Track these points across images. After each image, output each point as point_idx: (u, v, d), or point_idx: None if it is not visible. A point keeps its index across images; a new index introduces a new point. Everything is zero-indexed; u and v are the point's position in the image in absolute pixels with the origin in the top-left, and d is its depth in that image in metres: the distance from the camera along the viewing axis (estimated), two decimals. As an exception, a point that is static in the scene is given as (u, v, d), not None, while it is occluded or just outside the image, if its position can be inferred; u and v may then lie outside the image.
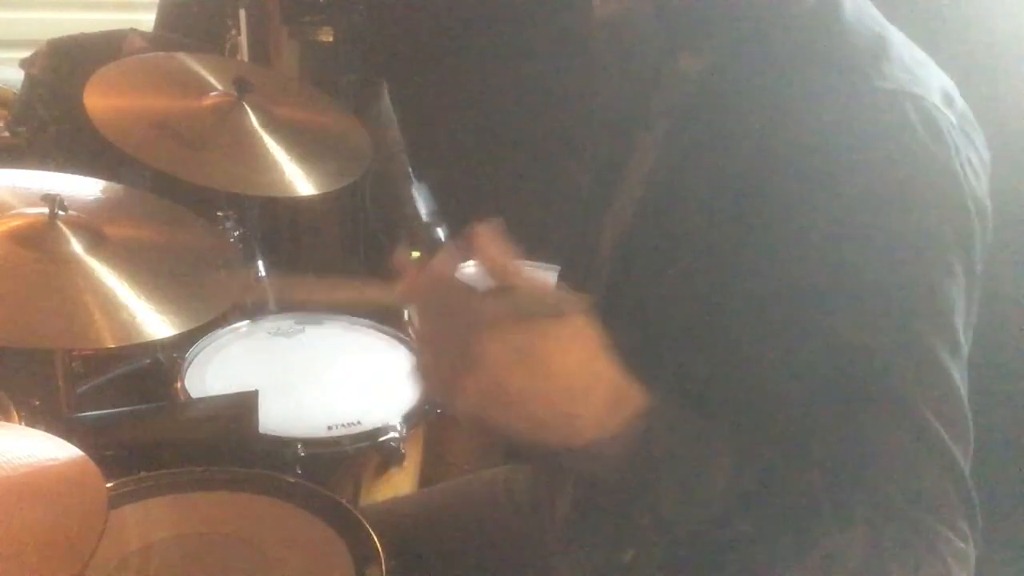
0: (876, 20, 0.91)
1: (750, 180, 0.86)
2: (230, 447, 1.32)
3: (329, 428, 1.53)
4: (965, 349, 0.82)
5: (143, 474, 1.22)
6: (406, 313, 1.88)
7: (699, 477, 0.78)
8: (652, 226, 0.97)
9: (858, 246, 0.80)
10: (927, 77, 0.87)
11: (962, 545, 0.77)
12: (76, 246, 1.34)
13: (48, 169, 1.63)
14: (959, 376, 0.80)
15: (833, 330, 0.81)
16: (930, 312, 0.80)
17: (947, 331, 0.80)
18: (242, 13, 2.44)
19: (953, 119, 0.85)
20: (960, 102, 0.88)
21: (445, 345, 0.77)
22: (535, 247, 1.35)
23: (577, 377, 0.75)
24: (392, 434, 1.54)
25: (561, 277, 1.16)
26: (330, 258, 2.71)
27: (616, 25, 0.94)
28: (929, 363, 0.79)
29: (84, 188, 1.52)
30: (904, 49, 0.89)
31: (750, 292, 0.85)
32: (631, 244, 1.00)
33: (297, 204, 2.51)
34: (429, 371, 0.80)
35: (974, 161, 0.85)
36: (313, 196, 1.77)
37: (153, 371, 2.01)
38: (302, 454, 1.46)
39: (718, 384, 0.90)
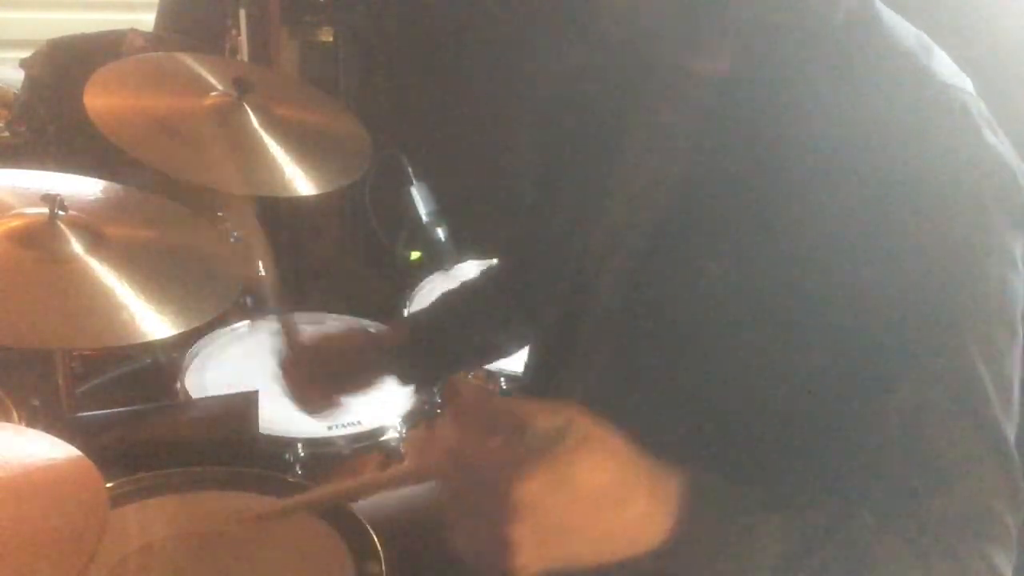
0: (907, 24, 0.90)
1: (797, 186, 0.84)
2: (230, 447, 1.32)
3: (329, 428, 1.53)
4: (1020, 329, 0.82)
5: (143, 474, 1.22)
6: (406, 313, 1.88)
7: (750, 547, 0.77)
8: (681, 237, 0.93)
9: (922, 243, 0.80)
10: (968, 82, 0.88)
11: (999, 560, 0.77)
12: (76, 246, 1.34)
13: (48, 169, 1.63)
14: (1015, 359, 0.81)
15: (896, 328, 0.80)
16: (994, 308, 0.80)
17: (1008, 320, 0.81)
18: (242, 13, 2.44)
19: (995, 127, 0.85)
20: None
21: (477, 511, 0.74)
22: (534, 247, 1.35)
23: (617, 488, 0.73)
24: (392, 434, 1.54)
25: (547, 283, 1.16)
26: (330, 258, 2.71)
27: (628, 19, 0.92)
28: (993, 359, 0.80)
29: (84, 188, 1.52)
30: (941, 52, 0.89)
31: (806, 288, 0.83)
32: (651, 257, 0.96)
33: (297, 204, 2.51)
34: (471, 541, 0.76)
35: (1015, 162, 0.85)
36: (313, 196, 1.77)
37: (153, 371, 2.01)
38: (302, 454, 1.46)
39: (744, 402, 0.88)
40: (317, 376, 1.27)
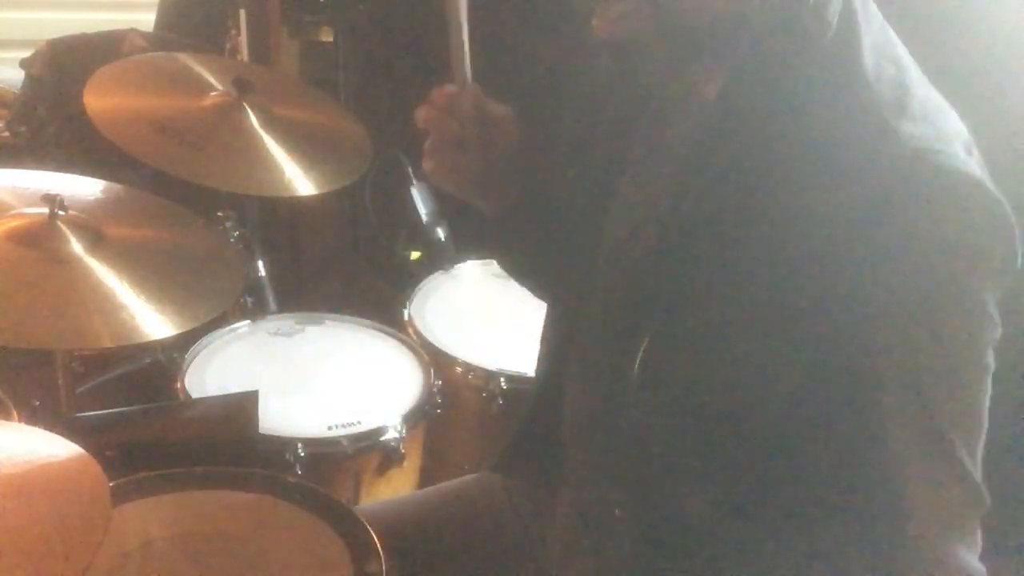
0: (892, 58, 0.90)
1: (775, 218, 0.87)
2: (230, 447, 1.32)
3: (329, 428, 1.53)
4: (992, 365, 0.85)
5: (143, 474, 1.22)
6: (406, 313, 1.88)
7: None
8: (673, 254, 0.96)
9: (894, 298, 0.82)
10: (947, 127, 0.87)
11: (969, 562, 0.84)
12: (76, 246, 1.34)
13: (48, 169, 1.63)
14: (986, 391, 0.85)
15: (870, 372, 0.83)
16: (966, 356, 0.84)
17: (979, 364, 0.84)
18: (242, 13, 2.43)
19: (975, 170, 0.85)
20: (975, 149, 0.88)
21: None
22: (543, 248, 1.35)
23: None
24: (392, 434, 1.54)
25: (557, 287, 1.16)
26: (330, 258, 2.71)
27: (616, 42, 0.93)
28: (962, 399, 0.84)
29: (84, 188, 1.52)
30: (922, 95, 0.89)
31: (775, 329, 0.86)
32: (648, 270, 0.99)
33: (297, 204, 2.51)
34: None
35: (997, 202, 0.85)
36: (313, 196, 1.77)
37: (153, 371, 2.01)
38: (302, 454, 1.46)
39: (735, 409, 0.91)
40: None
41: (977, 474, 0.85)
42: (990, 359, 0.85)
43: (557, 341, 1.16)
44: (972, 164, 0.85)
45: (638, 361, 0.98)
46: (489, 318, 1.92)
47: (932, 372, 0.83)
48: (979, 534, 0.86)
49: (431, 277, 2.05)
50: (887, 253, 0.81)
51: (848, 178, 0.83)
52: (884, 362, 0.82)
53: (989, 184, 0.85)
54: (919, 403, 0.83)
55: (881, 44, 0.90)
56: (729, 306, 0.90)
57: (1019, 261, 0.86)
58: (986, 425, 0.85)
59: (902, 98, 0.86)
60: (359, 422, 1.55)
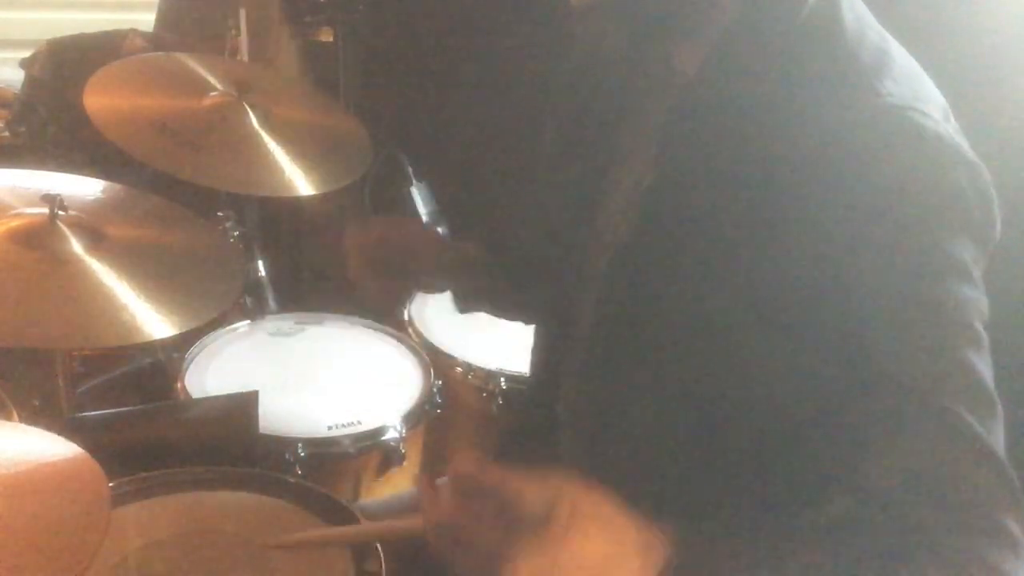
0: (874, 28, 0.91)
1: (756, 189, 0.86)
2: (230, 447, 1.32)
3: (329, 428, 1.53)
4: (985, 339, 0.83)
5: (143, 474, 1.22)
6: (406, 313, 1.88)
7: None
8: (654, 235, 0.96)
9: (875, 258, 0.81)
10: (927, 92, 0.88)
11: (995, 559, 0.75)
12: (76, 246, 1.34)
13: (48, 169, 1.63)
14: (984, 367, 0.81)
15: (855, 342, 0.81)
16: (952, 318, 0.81)
17: (968, 329, 0.82)
18: (242, 13, 2.43)
19: (953, 132, 0.86)
20: (952, 119, 0.89)
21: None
22: (534, 246, 1.35)
23: (608, 561, 0.72)
24: (392, 434, 1.54)
25: (549, 288, 1.17)
26: (330, 258, 2.70)
27: (593, 12, 0.94)
28: (957, 364, 0.80)
29: (84, 188, 1.52)
30: (903, 61, 0.90)
31: (762, 303, 0.86)
32: (631, 253, 0.99)
33: (297, 204, 2.50)
34: None
35: (975, 166, 0.86)
36: (313, 196, 1.77)
37: (153, 371, 2.01)
38: (302, 454, 1.46)
39: (727, 398, 0.90)
40: (382, 266, 1.28)
41: (1001, 454, 0.78)
42: (980, 329, 0.82)
43: (551, 334, 1.16)
44: (950, 128, 0.86)
45: (625, 353, 0.98)
46: (489, 318, 1.91)
47: (917, 329, 0.80)
48: (1013, 526, 0.76)
49: (431, 277, 2.04)
50: (866, 212, 0.81)
51: (828, 136, 0.83)
52: (868, 323, 0.81)
53: (967, 148, 0.85)
54: (910, 370, 0.79)
55: (863, 15, 0.91)
56: (712, 287, 0.89)
57: (997, 230, 0.86)
58: (999, 408, 0.81)
59: (883, 61, 0.88)
60: (359, 422, 1.55)
